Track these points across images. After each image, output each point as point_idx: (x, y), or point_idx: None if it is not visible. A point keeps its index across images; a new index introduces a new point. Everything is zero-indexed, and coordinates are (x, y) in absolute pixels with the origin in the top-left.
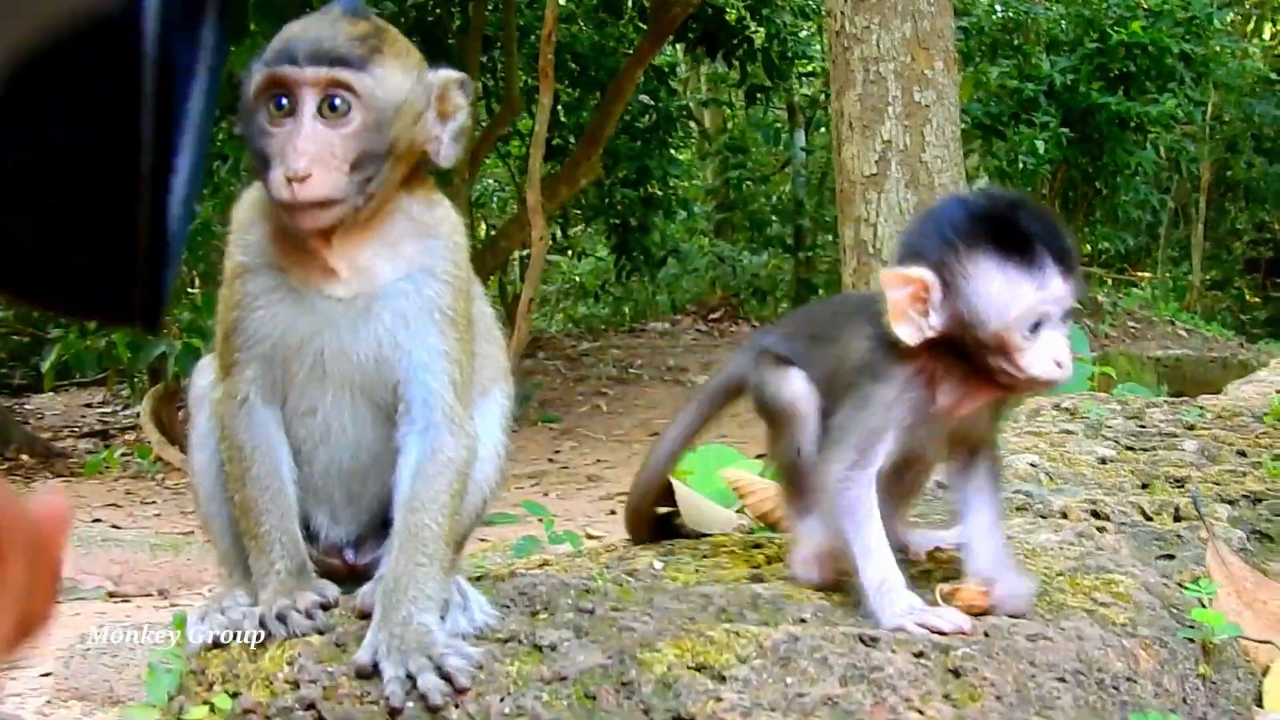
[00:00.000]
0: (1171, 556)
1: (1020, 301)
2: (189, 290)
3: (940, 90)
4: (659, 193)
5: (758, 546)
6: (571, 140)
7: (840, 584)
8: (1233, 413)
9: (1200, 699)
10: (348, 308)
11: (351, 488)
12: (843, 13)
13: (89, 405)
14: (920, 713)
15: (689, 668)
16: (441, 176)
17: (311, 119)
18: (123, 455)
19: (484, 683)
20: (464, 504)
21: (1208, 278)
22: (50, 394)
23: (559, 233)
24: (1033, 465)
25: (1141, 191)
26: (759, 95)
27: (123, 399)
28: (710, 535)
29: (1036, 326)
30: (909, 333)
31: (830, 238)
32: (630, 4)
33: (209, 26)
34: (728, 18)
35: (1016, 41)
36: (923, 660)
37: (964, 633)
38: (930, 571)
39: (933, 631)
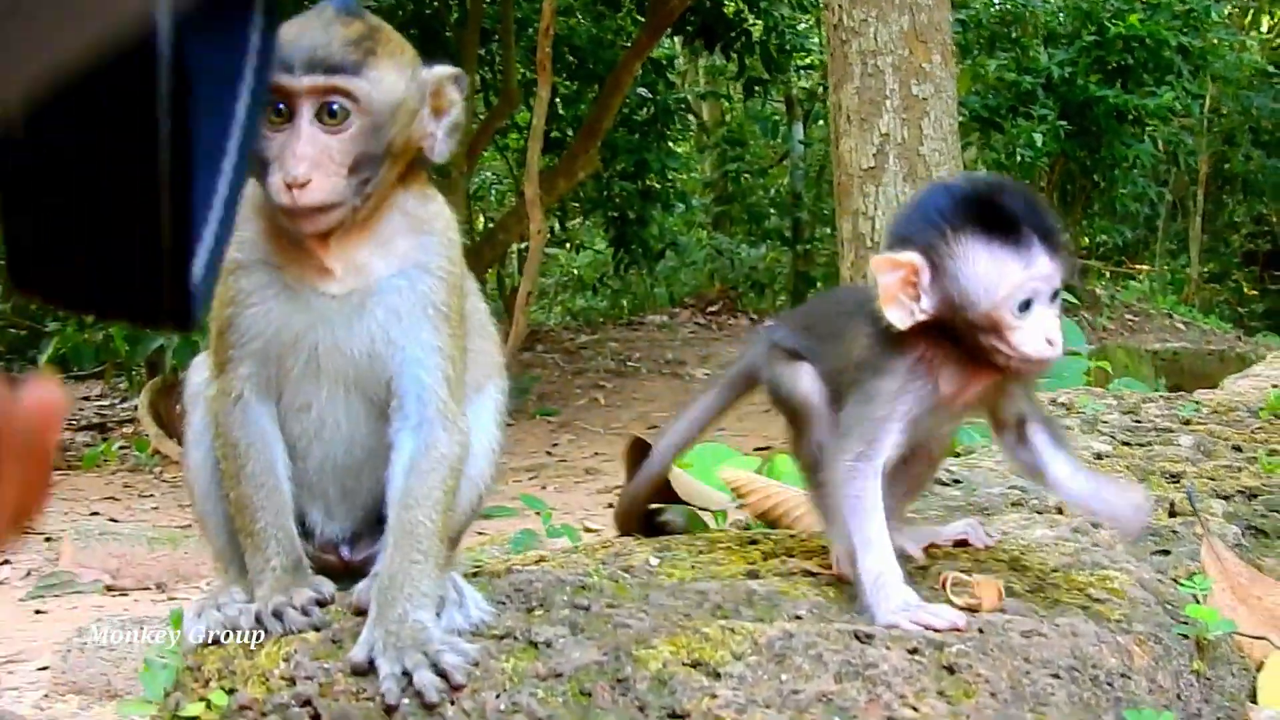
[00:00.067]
0: (1167, 552)
1: (1008, 280)
2: None
3: (938, 83)
4: (657, 185)
5: (754, 543)
6: (569, 133)
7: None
8: (1229, 407)
9: (1194, 695)
10: (342, 304)
11: (346, 484)
12: (840, 6)
13: (87, 398)
14: (915, 709)
15: (684, 664)
16: (440, 169)
17: (309, 125)
18: (120, 448)
19: (479, 679)
20: (458, 500)
21: (1205, 270)
22: None
23: (557, 225)
24: None
25: (1139, 184)
26: (757, 88)
27: (120, 392)
28: (696, 531)
29: (1026, 305)
30: (900, 316)
31: (829, 231)
32: None
33: (253, 26)
34: (726, 10)
35: (1014, 34)
36: (917, 657)
37: (959, 630)
38: (926, 568)
39: (927, 628)
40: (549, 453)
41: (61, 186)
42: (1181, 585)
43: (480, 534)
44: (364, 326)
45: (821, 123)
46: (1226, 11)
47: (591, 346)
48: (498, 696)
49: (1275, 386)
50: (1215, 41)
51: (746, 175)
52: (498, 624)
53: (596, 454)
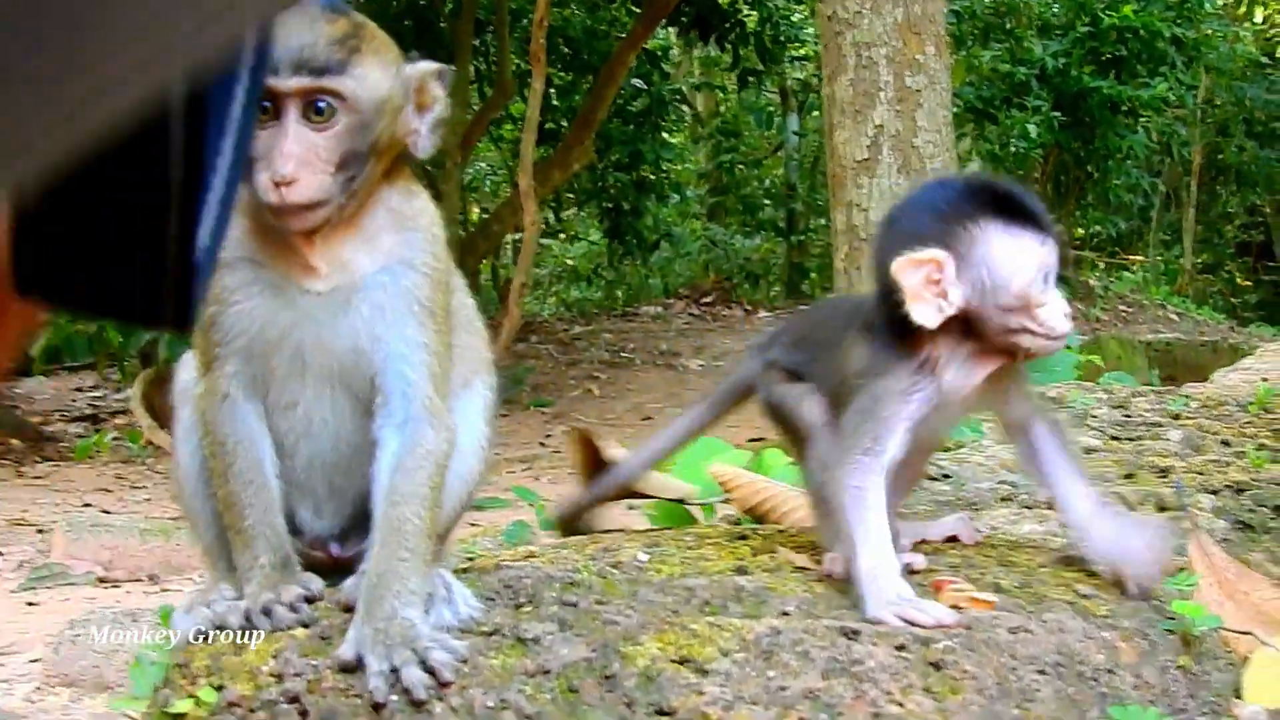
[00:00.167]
0: None
1: (1034, 257)
2: None
3: (932, 75)
4: (651, 176)
5: (743, 539)
6: (564, 124)
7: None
8: (1218, 402)
9: (1180, 691)
10: (326, 301)
11: (334, 480)
12: None
13: (79, 389)
14: (901, 705)
15: (671, 661)
16: (434, 160)
17: (296, 123)
18: (113, 439)
19: (468, 676)
20: (445, 496)
21: (1199, 261)
22: (40, 378)
23: (551, 217)
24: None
25: (1133, 175)
26: (751, 79)
27: (113, 383)
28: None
29: (1045, 281)
30: (928, 314)
31: (823, 221)
32: None
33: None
34: (720, 1)
35: (1008, 25)
36: (904, 653)
37: (945, 626)
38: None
39: (912, 624)
40: (542, 444)
41: (69, 193)
42: (1168, 581)
43: (473, 525)
44: (349, 323)
45: (816, 114)
46: (1220, 2)
47: (586, 337)
48: (486, 693)
49: (1265, 380)
50: (1209, 32)
51: (741, 166)
52: (486, 620)
53: None
